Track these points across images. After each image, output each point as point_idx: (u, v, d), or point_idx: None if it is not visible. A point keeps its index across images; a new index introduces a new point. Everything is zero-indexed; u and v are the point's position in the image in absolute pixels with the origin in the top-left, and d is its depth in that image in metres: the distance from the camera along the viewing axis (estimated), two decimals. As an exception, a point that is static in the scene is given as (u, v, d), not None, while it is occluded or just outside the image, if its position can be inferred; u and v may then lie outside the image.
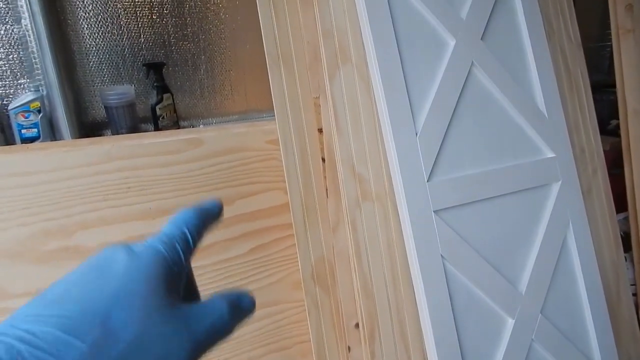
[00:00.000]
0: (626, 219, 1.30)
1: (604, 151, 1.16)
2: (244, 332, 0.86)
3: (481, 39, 0.97)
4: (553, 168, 0.98)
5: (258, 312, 0.87)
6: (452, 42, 0.93)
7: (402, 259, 0.82)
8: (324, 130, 0.87)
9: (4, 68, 1.27)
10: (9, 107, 1.24)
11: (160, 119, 1.36)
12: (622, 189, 1.27)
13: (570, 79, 1.13)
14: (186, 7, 1.46)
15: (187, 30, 1.47)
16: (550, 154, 0.99)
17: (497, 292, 0.86)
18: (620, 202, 1.26)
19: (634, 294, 1.24)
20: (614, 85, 1.30)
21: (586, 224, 0.99)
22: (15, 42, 1.27)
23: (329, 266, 0.83)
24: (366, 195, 0.83)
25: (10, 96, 1.29)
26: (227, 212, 0.86)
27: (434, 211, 0.82)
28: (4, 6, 1.24)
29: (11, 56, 1.27)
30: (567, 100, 1.10)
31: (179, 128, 1.43)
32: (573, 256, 0.96)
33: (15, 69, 1.28)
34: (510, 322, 0.86)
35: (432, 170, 0.85)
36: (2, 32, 1.25)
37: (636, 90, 1.26)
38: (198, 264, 0.82)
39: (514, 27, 1.03)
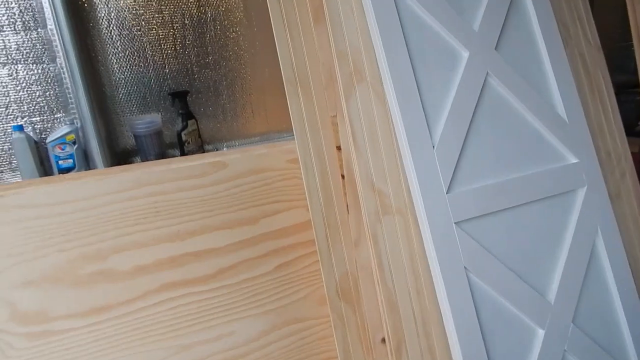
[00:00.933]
0: (661, 222, 1.25)
1: (633, 153, 1.13)
2: (272, 349, 0.87)
3: (495, 49, 0.97)
4: (577, 174, 0.97)
5: (285, 329, 0.88)
6: (465, 55, 0.94)
7: (425, 271, 0.82)
8: (342, 147, 0.89)
9: (42, 104, 1.36)
10: (47, 140, 1.32)
11: (186, 144, 1.42)
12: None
13: (591, 82, 1.11)
14: (207, 37, 1.53)
15: (209, 59, 1.54)
16: (574, 160, 0.98)
17: (524, 302, 0.84)
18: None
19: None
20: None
21: (616, 229, 0.96)
22: (51, 80, 1.36)
23: (353, 281, 0.83)
24: (386, 210, 0.84)
25: (48, 130, 1.37)
26: (251, 231, 0.88)
27: (455, 223, 0.82)
28: (40, 47, 1.33)
29: (48, 93, 1.36)
30: (589, 104, 1.08)
31: (204, 152, 1.48)
32: (604, 263, 0.93)
33: (52, 104, 1.37)
34: (540, 333, 0.84)
35: (451, 182, 0.85)
36: (40, 71, 1.35)
37: (662, 90, 1.23)
38: (225, 283, 0.84)
39: (528, 36, 1.03)
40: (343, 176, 0.88)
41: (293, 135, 0.87)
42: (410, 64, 0.89)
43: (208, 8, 1.53)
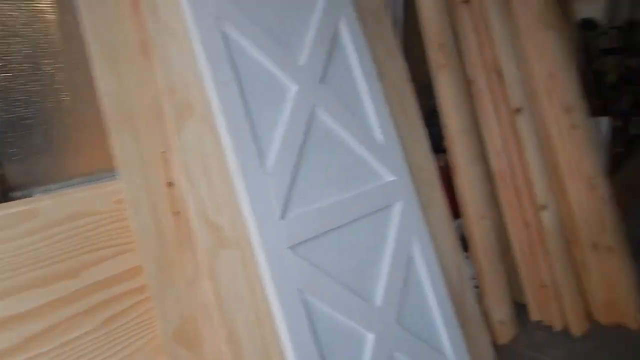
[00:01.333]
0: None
1: (441, 167, 1.34)
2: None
3: (320, 82, 1.06)
4: (394, 190, 1.10)
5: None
6: (294, 88, 1.00)
7: (265, 300, 0.83)
8: (174, 183, 0.86)
9: None
10: None
11: (-14, 193, 1.19)
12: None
13: (403, 109, 1.29)
14: (14, 71, 1.34)
15: (16, 95, 1.34)
16: (391, 177, 1.11)
17: (355, 312, 0.91)
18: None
19: (477, 287, 1.42)
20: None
21: (427, 235, 1.11)
22: None
23: (192, 322, 0.79)
24: (223, 243, 0.83)
25: None
26: (72, 286, 0.77)
27: (289, 247, 0.85)
28: None
29: None
30: (402, 129, 1.25)
31: (9, 200, 1.26)
32: (419, 266, 1.07)
33: None
34: (370, 337, 0.92)
35: (284, 208, 0.88)
36: None
37: (455, 114, 1.49)
38: (36, 352, 0.72)
39: (349, 71, 1.15)
40: (177, 213, 0.84)
41: (123, 174, 0.80)
42: (241, 97, 0.90)
43: (14, 39, 1.34)
